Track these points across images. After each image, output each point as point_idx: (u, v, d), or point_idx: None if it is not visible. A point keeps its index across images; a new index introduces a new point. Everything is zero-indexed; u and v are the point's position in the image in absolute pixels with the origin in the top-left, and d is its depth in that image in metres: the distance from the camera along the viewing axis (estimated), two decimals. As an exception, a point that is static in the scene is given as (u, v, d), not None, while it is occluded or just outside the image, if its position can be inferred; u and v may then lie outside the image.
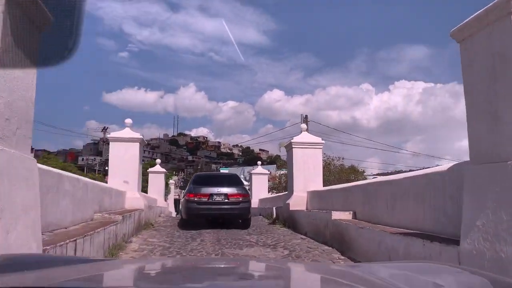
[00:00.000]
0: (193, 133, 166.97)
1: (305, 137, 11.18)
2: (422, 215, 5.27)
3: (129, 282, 1.45)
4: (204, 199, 10.60)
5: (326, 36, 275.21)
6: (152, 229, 9.81)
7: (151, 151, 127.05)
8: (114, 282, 1.41)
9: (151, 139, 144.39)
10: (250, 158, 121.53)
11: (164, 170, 18.25)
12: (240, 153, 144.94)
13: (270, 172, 31.19)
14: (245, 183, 24.81)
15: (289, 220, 10.69)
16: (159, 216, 14.07)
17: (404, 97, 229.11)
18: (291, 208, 10.56)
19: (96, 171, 37.74)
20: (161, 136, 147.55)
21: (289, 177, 11.68)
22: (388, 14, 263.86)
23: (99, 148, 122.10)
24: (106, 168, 42.61)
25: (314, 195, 10.30)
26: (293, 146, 10.94)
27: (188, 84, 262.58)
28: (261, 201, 17.28)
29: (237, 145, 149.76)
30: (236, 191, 10.89)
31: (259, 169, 18.28)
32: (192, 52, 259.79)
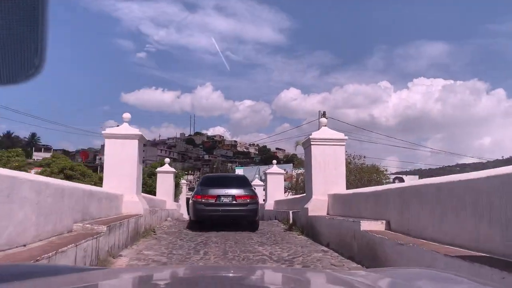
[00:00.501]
0: (210, 132, 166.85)
1: (325, 132, 9.83)
2: (487, 232, 3.91)
3: None
4: (212, 201, 10.46)
5: (343, 33, 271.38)
6: (152, 238, 8.64)
7: (167, 150, 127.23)
8: None
9: (168, 138, 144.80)
10: (266, 157, 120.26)
11: (173, 169, 17.11)
12: (257, 152, 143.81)
13: (287, 172, 29.87)
14: (260, 183, 23.58)
15: (307, 227, 9.37)
16: (166, 220, 12.93)
17: (423, 94, 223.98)
18: (310, 214, 9.24)
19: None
20: (178, 136, 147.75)
21: (307, 178, 10.33)
22: (406, 10, 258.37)
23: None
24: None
25: (336, 199, 8.95)
26: (311, 143, 9.61)
27: (205, 84, 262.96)
28: (277, 203, 15.99)
29: (253, 144, 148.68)
30: (243, 193, 10.71)
31: (274, 168, 16.98)
32: (208, 52, 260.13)
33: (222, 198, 10.53)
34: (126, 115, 9.17)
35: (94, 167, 39.36)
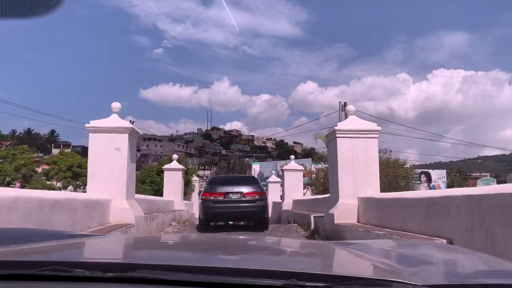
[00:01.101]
0: (227, 127, 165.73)
1: (354, 122, 8.10)
2: None
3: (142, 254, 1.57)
4: (220, 198, 10.31)
5: (361, 25, 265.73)
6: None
7: (185, 146, 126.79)
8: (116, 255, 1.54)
9: (185, 134, 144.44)
10: (284, 151, 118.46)
11: (181, 166, 15.58)
12: (274, 147, 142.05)
13: (305, 167, 28.15)
14: (277, 179, 21.92)
15: (333, 237, 7.69)
16: (170, 225, 11.44)
17: (443, 86, 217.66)
18: (336, 221, 7.56)
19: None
20: (195, 131, 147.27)
21: (331, 177, 8.64)
22: (426, 0, 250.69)
23: (138, 143, 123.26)
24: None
25: (369, 204, 7.25)
26: (337, 135, 7.91)
27: (222, 79, 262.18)
28: (296, 203, 14.36)
29: (270, 138, 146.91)
30: (252, 190, 10.53)
31: (292, 164, 15.31)
32: (225, 47, 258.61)
33: (231, 195, 10.36)
34: (115, 105, 7.65)
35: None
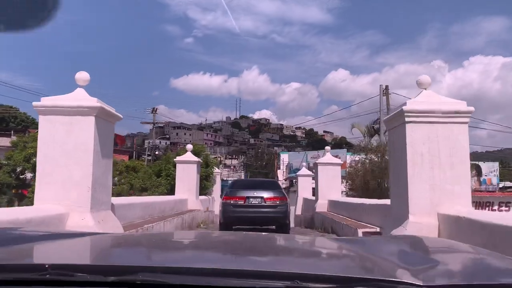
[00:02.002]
0: (256, 116, 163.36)
1: (432, 100, 5.35)
2: None
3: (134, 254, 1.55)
4: (241, 202, 10.32)
5: (394, 12, 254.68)
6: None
7: (213, 134, 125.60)
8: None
9: (214, 122, 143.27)
10: (314, 140, 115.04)
11: (196, 158, 13.42)
12: (303, 136, 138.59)
13: (339, 158, 25.32)
14: (308, 172, 19.26)
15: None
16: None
17: (480, 73, 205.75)
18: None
19: (146, 157, 34.45)
20: (224, 119, 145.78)
21: (395, 181, 5.92)
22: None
23: (165, 131, 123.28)
24: (157, 153, 39.18)
25: (460, 227, 4.53)
26: (406, 119, 5.20)
27: (251, 67, 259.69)
28: (333, 205, 11.70)
29: (300, 128, 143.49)
30: (273, 195, 10.50)
31: (328, 157, 12.62)
32: (254, 35, 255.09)
33: (251, 200, 10.31)
34: (81, 75, 5.27)
35: (130, 154, 36.78)
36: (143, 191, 15.27)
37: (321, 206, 12.16)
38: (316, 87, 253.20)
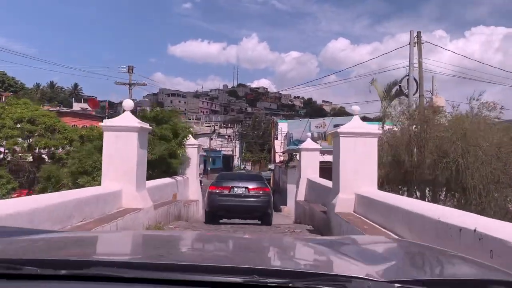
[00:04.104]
0: (254, 84, 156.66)
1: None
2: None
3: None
4: (226, 191, 10.59)
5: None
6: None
7: (209, 102, 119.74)
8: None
9: (211, 90, 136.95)
10: (312, 109, 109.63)
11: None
12: (302, 105, 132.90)
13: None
14: (314, 145, 14.24)
15: None
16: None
17: (482, 44, 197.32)
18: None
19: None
20: (221, 87, 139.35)
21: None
22: None
23: (159, 98, 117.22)
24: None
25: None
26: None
27: (251, 35, 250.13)
28: (364, 203, 6.64)
29: (298, 97, 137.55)
30: (256, 185, 10.91)
31: (356, 123, 7.09)
32: (254, 1, 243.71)
33: (236, 189, 10.66)
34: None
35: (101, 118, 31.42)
36: (83, 174, 10.25)
37: (344, 203, 7.14)
38: (316, 56, 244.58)
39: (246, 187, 10.65)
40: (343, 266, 1.28)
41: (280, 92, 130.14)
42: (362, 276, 1.03)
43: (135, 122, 7.01)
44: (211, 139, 52.89)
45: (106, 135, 7.01)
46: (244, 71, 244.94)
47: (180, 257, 1.40)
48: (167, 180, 10.46)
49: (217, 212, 10.59)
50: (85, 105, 59.00)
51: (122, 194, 6.91)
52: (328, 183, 10.40)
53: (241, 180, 11.12)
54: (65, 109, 42.10)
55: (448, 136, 11.31)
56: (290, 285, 1.00)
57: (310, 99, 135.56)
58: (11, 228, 2.49)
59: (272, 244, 1.86)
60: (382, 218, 5.78)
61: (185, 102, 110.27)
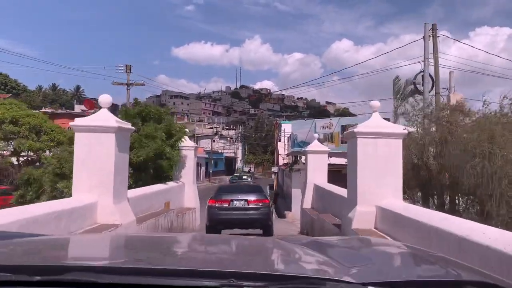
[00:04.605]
0: (257, 86, 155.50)
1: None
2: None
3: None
4: (225, 205, 10.56)
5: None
6: None
7: (212, 104, 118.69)
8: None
9: (213, 92, 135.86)
10: (316, 111, 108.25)
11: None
12: (305, 106, 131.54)
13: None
14: (322, 147, 12.94)
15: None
16: None
17: (486, 45, 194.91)
18: None
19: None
20: (223, 89, 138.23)
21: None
22: None
23: (162, 100, 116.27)
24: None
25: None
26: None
27: (253, 37, 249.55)
28: (389, 219, 5.34)
29: (301, 98, 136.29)
30: (256, 197, 10.83)
31: (376, 121, 5.68)
32: (256, 2, 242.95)
33: (235, 202, 10.61)
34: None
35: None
36: (62, 178, 9.06)
37: (363, 217, 5.91)
38: (320, 57, 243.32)
39: (246, 200, 10.61)
40: (320, 268, 1.29)
41: (283, 93, 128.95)
42: (336, 278, 1.05)
43: (112, 121, 5.79)
44: (213, 141, 51.67)
45: (78, 136, 5.80)
46: (247, 73, 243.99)
47: (158, 261, 1.36)
48: (157, 187, 9.25)
49: (217, 226, 10.38)
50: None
51: (97, 207, 5.70)
52: (339, 191, 9.16)
53: (240, 193, 11.01)
54: (60, 111, 40.92)
55: (474, 137, 10.06)
56: None
57: (313, 100, 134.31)
58: None
59: (253, 247, 1.84)
60: (416, 240, 4.52)
61: (187, 104, 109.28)
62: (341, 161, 19.60)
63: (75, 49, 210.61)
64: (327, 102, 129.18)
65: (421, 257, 1.61)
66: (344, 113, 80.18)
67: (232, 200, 10.59)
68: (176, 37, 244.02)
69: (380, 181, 5.95)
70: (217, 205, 10.57)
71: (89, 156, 5.75)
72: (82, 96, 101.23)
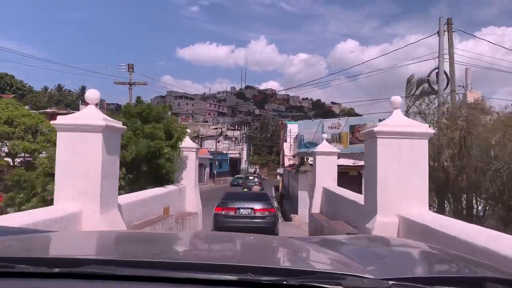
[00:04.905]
0: (262, 87, 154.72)
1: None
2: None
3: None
4: (231, 213, 10.67)
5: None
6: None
7: (217, 105, 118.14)
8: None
9: (218, 92, 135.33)
10: (321, 111, 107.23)
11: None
12: (310, 107, 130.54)
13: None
14: (331, 148, 12.22)
15: None
16: None
17: (492, 45, 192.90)
18: None
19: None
20: (228, 89, 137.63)
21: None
22: None
23: (167, 101, 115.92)
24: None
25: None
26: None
27: (259, 37, 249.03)
28: (416, 232, 4.60)
29: (306, 98, 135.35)
30: (262, 206, 10.94)
31: (398, 118, 4.95)
32: (262, 3, 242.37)
33: (241, 210, 10.73)
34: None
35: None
36: (52, 178, 8.38)
37: (384, 228, 5.10)
38: (325, 58, 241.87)
39: (252, 208, 10.73)
40: (338, 264, 1.27)
41: (288, 94, 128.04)
42: (356, 274, 1.04)
43: (99, 118, 5.09)
44: (218, 141, 50.98)
45: (60, 137, 5.10)
46: (252, 74, 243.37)
47: (174, 255, 1.40)
48: (154, 191, 8.56)
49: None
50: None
51: (81, 217, 5.01)
52: (352, 196, 8.41)
53: (246, 201, 11.14)
54: (62, 111, 40.53)
55: (498, 137, 9.26)
56: (284, 282, 1.01)
57: (318, 100, 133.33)
58: (5, 227, 2.22)
59: (267, 243, 1.83)
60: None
61: (192, 105, 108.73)
62: (349, 162, 18.86)
63: (79, 50, 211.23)
64: (332, 103, 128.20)
65: (438, 255, 1.59)
66: (349, 113, 79.26)
67: (238, 208, 10.71)
68: (181, 38, 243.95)
69: (404, 187, 5.19)
70: (223, 212, 10.68)
71: (73, 159, 5.05)
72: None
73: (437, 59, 14.04)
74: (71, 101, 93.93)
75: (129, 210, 6.80)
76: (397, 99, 5.71)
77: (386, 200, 5.28)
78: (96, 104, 5.39)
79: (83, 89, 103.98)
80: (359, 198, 7.32)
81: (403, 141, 5.30)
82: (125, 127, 5.78)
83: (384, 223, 5.24)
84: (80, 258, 1.13)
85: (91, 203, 5.06)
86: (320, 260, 1.41)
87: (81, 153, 5.06)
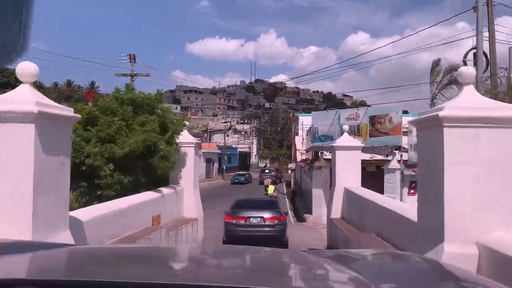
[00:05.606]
0: (272, 80, 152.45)
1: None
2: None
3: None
4: (242, 222, 10.88)
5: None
6: None
7: (227, 98, 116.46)
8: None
9: (228, 86, 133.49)
10: (333, 104, 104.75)
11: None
12: (321, 100, 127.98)
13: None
14: (355, 142, 10.20)
15: None
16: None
17: (507, 35, 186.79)
18: None
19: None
20: (238, 83, 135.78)
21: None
22: None
23: (176, 95, 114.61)
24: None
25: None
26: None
27: (268, 31, 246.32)
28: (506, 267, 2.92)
29: (317, 91, 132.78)
30: (271, 215, 11.07)
31: (472, 99, 3.38)
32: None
33: (252, 219, 10.89)
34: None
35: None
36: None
37: (455, 262, 3.45)
38: (335, 50, 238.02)
39: (262, 217, 10.91)
40: (345, 286, 1.22)
41: (298, 87, 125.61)
42: None
43: (30, 102, 3.39)
44: (227, 135, 49.31)
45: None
46: (263, 68, 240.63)
47: (194, 276, 1.32)
48: (140, 197, 6.89)
49: (234, 241, 10.57)
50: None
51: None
52: (389, 204, 6.60)
53: (256, 209, 11.28)
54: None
55: None
56: None
57: (329, 93, 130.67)
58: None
59: (276, 260, 1.72)
60: None
61: (202, 99, 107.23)
62: (366, 156, 16.99)
63: (88, 45, 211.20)
64: (344, 95, 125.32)
65: (459, 277, 1.46)
66: (361, 105, 76.82)
67: (248, 217, 10.92)
68: (191, 32, 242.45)
69: (487, 202, 3.39)
70: (234, 221, 10.93)
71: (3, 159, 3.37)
72: (98, 92, 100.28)
73: (474, 38, 12.05)
74: (81, 96, 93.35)
75: (99, 226, 5.14)
76: (469, 70, 3.86)
77: (459, 219, 3.47)
78: (32, 84, 3.70)
79: (92, 85, 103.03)
80: (400, 207, 5.54)
81: (484, 131, 3.48)
82: (77, 115, 4.06)
83: (456, 255, 3.44)
84: (8, 278, 1.05)
85: (20, 224, 3.38)
86: (328, 279, 1.31)
87: (4, 154, 3.37)
